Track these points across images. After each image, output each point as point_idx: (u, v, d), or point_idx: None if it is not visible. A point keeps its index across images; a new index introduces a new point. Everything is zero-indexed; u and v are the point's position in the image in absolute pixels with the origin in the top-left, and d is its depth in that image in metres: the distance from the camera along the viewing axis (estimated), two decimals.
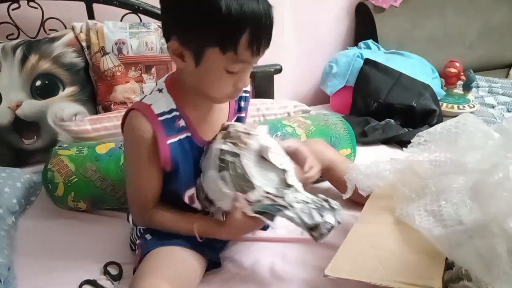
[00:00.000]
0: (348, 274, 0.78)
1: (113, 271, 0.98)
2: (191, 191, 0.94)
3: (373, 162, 1.03)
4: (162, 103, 0.87)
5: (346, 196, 1.02)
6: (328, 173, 1.20)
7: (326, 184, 1.28)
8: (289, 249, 1.02)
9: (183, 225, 0.91)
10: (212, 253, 0.97)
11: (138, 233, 1.00)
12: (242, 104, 1.02)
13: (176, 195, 0.94)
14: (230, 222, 0.87)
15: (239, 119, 1.02)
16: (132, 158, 0.90)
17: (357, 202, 1.09)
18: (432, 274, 0.75)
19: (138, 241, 0.99)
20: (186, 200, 0.94)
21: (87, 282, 0.94)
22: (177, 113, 0.88)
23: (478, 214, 0.76)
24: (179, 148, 0.89)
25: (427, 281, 0.73)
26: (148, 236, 0.96)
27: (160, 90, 0.89)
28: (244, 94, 1.01)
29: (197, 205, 0.95)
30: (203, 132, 0.93)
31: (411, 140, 0.98)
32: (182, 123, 0.89)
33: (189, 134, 0.90)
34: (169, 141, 0.87)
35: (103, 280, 0.95)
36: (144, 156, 0.87)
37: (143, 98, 0.89)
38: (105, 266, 0.99)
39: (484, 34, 2.15)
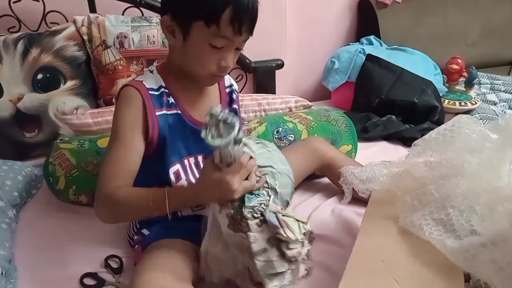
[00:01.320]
0: None
1: (113, 264, 0.98)
2: (176, 166, 0.96)
3: (367, 165, 1.02)
4: (152, 81, 0.94)
5: (345, 201, 1.01)
6: (327, 170, 1.21)
7: (325, 180, 1.28)
8: None
9: (150, 195, 0.82)
10: None
11: (134, 228, 1.01)
12: (234, 96, 1.08)
13: (161, 173, 0.93)
14: (205, 172, 0.83)
15: (232, 111, 1.06)
16: (118, 121, 0.90)
17: (356, 198, 1.09)
18: None
19: (135, 237, 0.99)
20: (172, 177, 0.95)
21: (88, 274, 0.95)
22: (166, 90, 0.94)
23: (492, 222, 0.74)
24: (166, 122, 0.93)
25: None
26: (145, 232, 0.97)
27: (151, 71, 0.97)
28: (233, 87, 1.09)
29: (183, 181, 0.96)
30: (193, 112, 0.97)
31: (408, 151, 0.98)
32: (171, 99, 0.94)
33: (178, 111, 0.95)
34: (157, 113, 0.91)
35: (104, 273, 0.96)
36: (131, 120, 0.89)
37: (136, 78, 0.96)
38: (106, 259, 0.99)
39: (486, 32, 2.14)
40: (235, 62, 0.94)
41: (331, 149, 1.23)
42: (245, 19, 0.86)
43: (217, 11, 0.83)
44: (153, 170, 0.93)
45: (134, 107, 0.90)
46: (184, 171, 0.97)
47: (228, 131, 0.78)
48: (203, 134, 0.77)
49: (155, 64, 0.99)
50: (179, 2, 0.88)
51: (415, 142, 0.97)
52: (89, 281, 0.93)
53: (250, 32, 0.89)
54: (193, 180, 0.98)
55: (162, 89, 0.93)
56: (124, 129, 0.89)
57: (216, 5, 0.83)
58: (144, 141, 0.90)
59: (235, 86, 1.10)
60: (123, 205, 0.84)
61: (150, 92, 0.92)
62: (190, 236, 0.93)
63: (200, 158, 1.00)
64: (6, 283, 0.91)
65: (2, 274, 0.92)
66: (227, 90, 1.07)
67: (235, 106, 1.08)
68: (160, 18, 0.92)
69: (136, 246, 0.97)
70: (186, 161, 0.98)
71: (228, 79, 1.08)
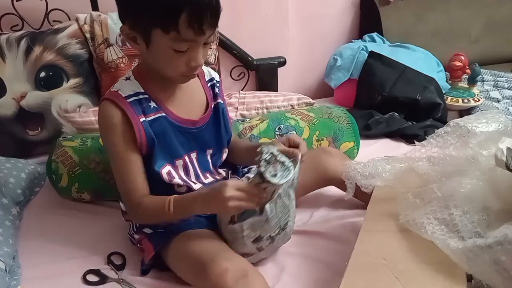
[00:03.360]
0: None
1: (116, 261, 0.99)
2: (167, 168, 0.95)
3: (370, 161, 1.02)
4: (128, 88, 0.92)
5: (347, 196, 1.01)
6: (333, 183, 1.15)
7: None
8: (292, 242, 1.02)
9: (166, 206, 0.87)
10: None
11: (134, 227, 1.01)
12: (217, 90, 1.05)
13: (154, 174, 0.94)
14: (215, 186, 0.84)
15: (217, 105, 1.03)
16: (109, 145, 0.92)
17: (359, 199, 1.09)
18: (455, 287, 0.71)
19: (137, 236, 1.00)
20: (165, 177, 0.94)
21: (91, 271, 0.95)
22: (146, 96, 0.92)
23: (496, 224, 0.74)
24: (154, 127, 0.92)
25: None
26: (147, 230, 0.97)
27: (127, 78, 0.95)
28: (214, 80, 1.05)
29: (177, 180, 0.96)
30: (178, 111, 0.96)
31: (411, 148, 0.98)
32: (152, 104, 0.93)
33: (162, 113, 0.93)
34: (142, 119, 0.91)
35: (107, 270, 0.96)
36: (119, 140, 0.90)
37: (112, 87, 0.94)
38: (109, 256, 1.00)
39: (489, 28, 2.13)
40: (206, 56, 0.91)
41: (334, 163, 1.13)
42: (205, 19, 0.81)
43: (172, 17, 0.79)
44: (148, 171, 0.93)
45: (116, 125, 0.89)
46: (175, 170, 0.96)
47: (283, 172, 0.82)
48: (262, 169, 0.80)
49: (130, 69, 0.96)
50: (134, 11, 0.84)
51: (415, 146, 0.97)
52: (92, 278, 0.94)
53: (214, 27, 0.85)
54: (185, 178, 0.98)
55: (141, 96, 0.91)
56: (118, 149, 0.90)
57: (170, 11, 0.79)
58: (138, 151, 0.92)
59: (216, 78, 1.06)
60: (150, 215, 0.91)
61: (129, 100, 0.90)
62: (206, 225, 0.95)
63: (193, 156, 0.99)
64: (10, 280, 0.92)
65: (6, 270, 0.92)
66: (209, 84, 1.04)
67: (219, 100, 1.03)
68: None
69: (145, 245, 0.96)
70: (177, 161, 0.97)
71: (208, 73, 1.05)
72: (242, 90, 1.77)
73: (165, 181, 0.94)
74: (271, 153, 0.81)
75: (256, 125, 1.33)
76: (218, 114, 1.03)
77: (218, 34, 1.61)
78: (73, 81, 1.43)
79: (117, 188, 1.16)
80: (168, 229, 0.95)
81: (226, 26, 1.60)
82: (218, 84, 1.05)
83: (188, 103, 0.98)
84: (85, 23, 1.44)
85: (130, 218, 1.00)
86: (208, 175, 1.02)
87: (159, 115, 0.93)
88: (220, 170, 1.06)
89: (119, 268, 0.97)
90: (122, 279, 0.93)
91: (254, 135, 1.31)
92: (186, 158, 0.98)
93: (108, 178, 1.19)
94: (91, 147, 1.21)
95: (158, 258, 0.95)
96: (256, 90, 1.74)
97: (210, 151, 1.02)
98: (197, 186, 0.98)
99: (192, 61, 0.87)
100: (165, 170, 0.94)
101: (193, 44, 0.84)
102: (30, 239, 1.08)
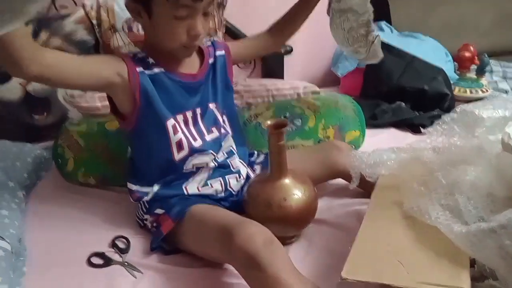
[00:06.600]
0: (369, 276, 0.71)
1: (121, 244, 0.99)
2: (172, 121, 0.97)
3: (375, 150, 1.02)
4: (134, 52, 0.98)
5: (352, 185, 1.00)
6: (339, 176, 1.16)
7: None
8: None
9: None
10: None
11: (143, 208, 1.02)
12: (218, 65, 1.06)
13: (160, 126, 0.96)
14: None
15: (215, 61, 1.06)
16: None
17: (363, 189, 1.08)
18: (459, 273, 0.70)
19: (150, 218, 1.00)
20: (170, 129, 0.97)
21: (96, 254, 0.96)
22: (152, 60, 0.96)
23: (501, 210, 0.73)
24: (152, 80, 0.95)
25: (456, 282, 0.68)
26: (159, 211, 0.98)
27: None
28: (217, 54, 1.07)
29: (180, 134, 0.97)
30: (178, 67, 0.99)
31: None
32: (151, 60, 0.96)
33: (162, 69, 0.97)
34: (138, 69, 0.94)
35: (111, 253, 0.97)
36: (106, 57, 0.96)
37: None
38: (113, 240, 1.00)
39: (499, 21, 2.10)
40: (207, 29, 0.96)
41: (344, 158, 1.10)
42: None
43: None
44: (152, 133, 0.97)
45: (114, 56, 0.95)
46: (179, 125, 0.99)
47: None
48: None
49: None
50: None
51: (423, 135, 0.96)
52: (96, 260, 0.95)
53: None
54: (188, 134, 0.99)
55: (148, 59, 0.96)
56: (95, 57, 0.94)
57: None
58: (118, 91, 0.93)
59: (220, 53, 1.07)
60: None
61: (131, 55, 0.96)
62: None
63: (198, 111, 1.01)
64: (16, 261, 0.93)
65: (12, 252, 0.93)
66: (210, 61, 1.05)
67: (218, 53, 1.06)
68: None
69: (159, 218, 0.98)
70: (179, 116, 0.99)
71: (213, 52, 1.06)
72: (248, 78, 1.76)
73: (169, 134, 0.96)
74: None
75: (261, 113, 1.33)
76: (215, 70, 1.05)
77: (224, 22, 1.60)
78: None
79: (123, 173, 1.18)
80: (182, 202, 0.97)
81: (233, 14, 1.59)
82: (222, 59, 1.07)
83: (188, 62, 1.01)
84: (91, 9, 1.44)
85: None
86: (214, 129, 1.04)
87: (159, 70, 0.96)
88: (228, 126, 1.08)
89: (123, 251, 0.97)
90: (126, 262, 0.94)
91: (259, 123, 1.30)
92: (190, 113, 1.00)
93: (115, 163, 1.19)
94: (97, 132, 1.22)
95: (166, 239, 0.96)
96: (262, 78, 1.73)
97: (213, 105, 1.04)
98: (197, 143, 1.00)
99: (191, 30, 0.91)
100: (170, 123, 0.97)
101: (192, 11, 0.89)
102: (36, 223, 1.09)
